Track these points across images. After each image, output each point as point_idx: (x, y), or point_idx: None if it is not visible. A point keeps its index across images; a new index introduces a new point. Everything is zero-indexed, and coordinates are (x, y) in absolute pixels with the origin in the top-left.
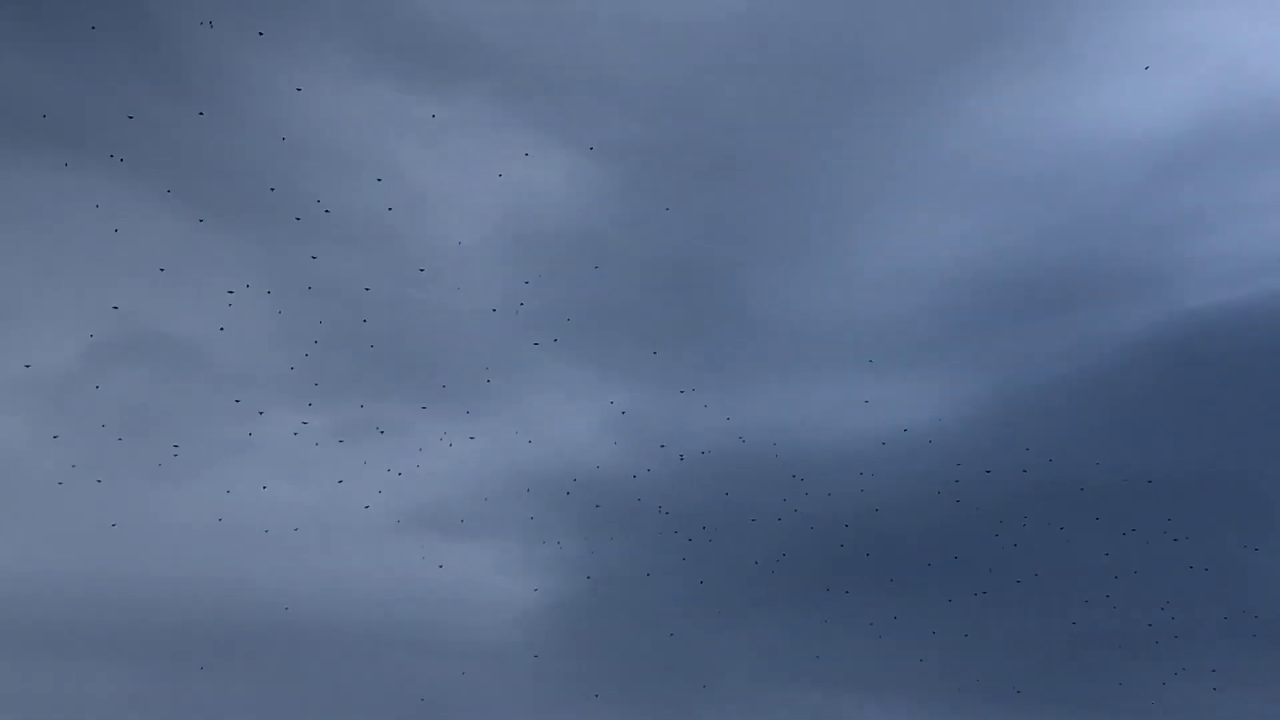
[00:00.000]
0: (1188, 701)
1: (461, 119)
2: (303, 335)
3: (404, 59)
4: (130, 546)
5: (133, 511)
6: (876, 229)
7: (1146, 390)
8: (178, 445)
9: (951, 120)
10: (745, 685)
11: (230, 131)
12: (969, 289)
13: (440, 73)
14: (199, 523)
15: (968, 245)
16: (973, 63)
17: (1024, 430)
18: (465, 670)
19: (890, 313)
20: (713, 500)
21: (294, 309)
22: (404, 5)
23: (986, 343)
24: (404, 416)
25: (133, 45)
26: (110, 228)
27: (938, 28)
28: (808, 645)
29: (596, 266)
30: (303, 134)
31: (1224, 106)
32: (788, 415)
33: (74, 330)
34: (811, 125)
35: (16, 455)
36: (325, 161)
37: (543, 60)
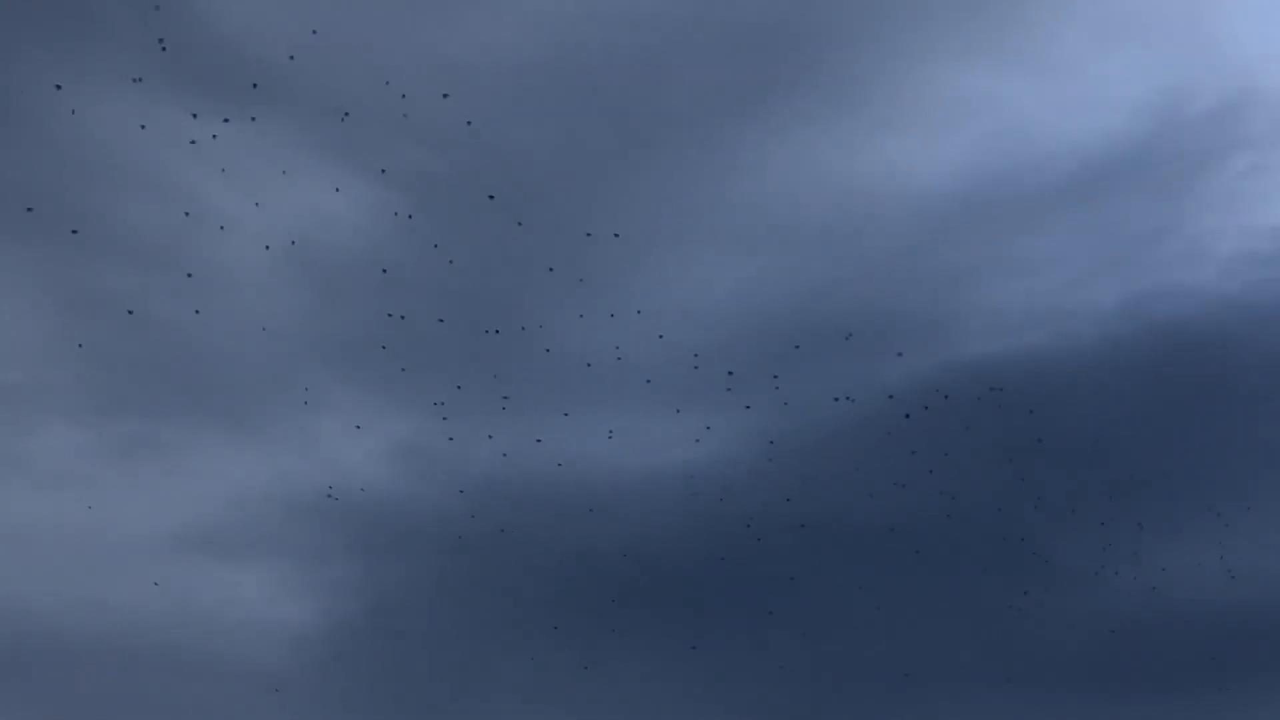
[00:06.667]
0: None
1: (254, 143)
2: (79, 351)
3: (197, 81)
4: None
5: None
6: (663, 268)
7: (916, 437)
8: None
9: (740, 167)
10: (521, 711)
11: (11, 147)
12: (751, 331)
13: (233, 96)
14: None
15: (752, 288)
16: (763, 113)
17: (798, 470)
18: (236, 693)
19: (672, 351)
20: (494, 529)
21: (71, 325)
22: (198, 28)
23: (766, 384)
24: (181, 436)
25: None
26: None
27: (730, 78)
28: (586, 673)
29: (384, 294)
30: (88, 152)
31: (1000, 166)
32: (569, 447)
33: None
34: (604, 164)
35: None
36: (110, 180)
37: (337, 88)
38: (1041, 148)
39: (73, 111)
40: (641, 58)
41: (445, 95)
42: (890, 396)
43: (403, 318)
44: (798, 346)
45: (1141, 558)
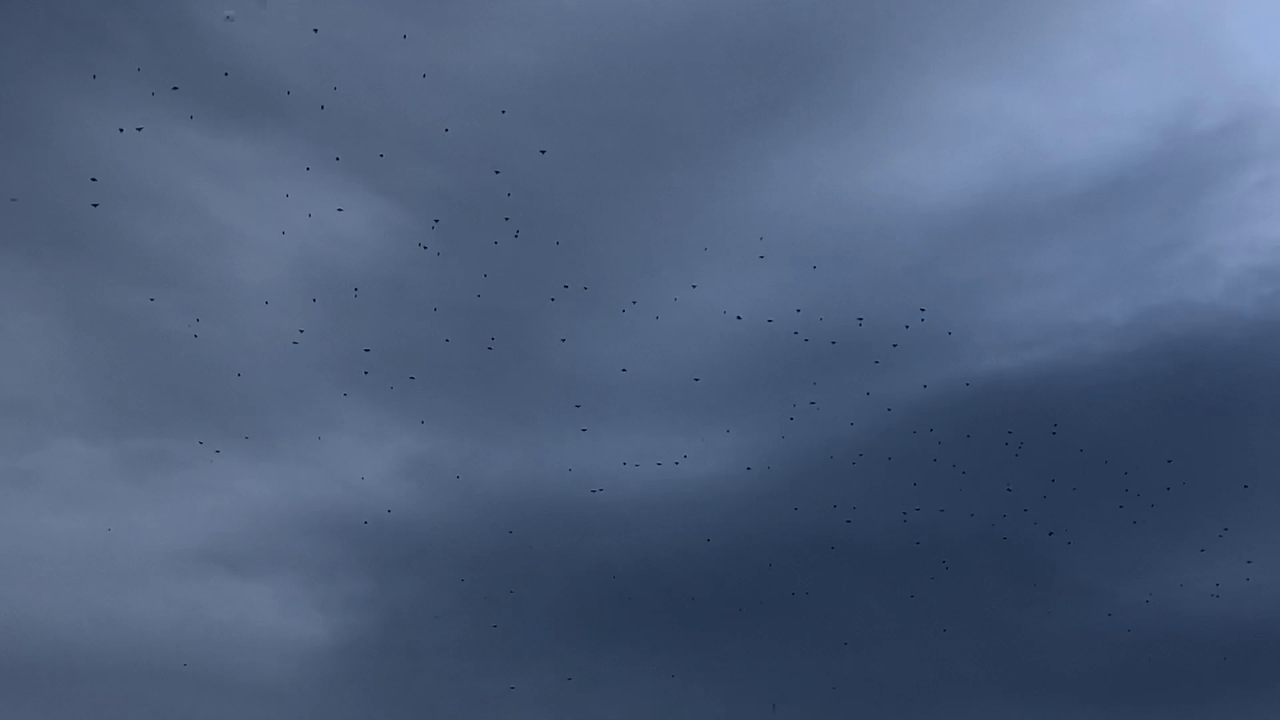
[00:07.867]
0: None
1: (265, 161)
2: (90, 368)
3: (210, 100)
4: None
5: None
6: (673, 283)
7: (927, 450)
8: None
9: (752, 182)
10: None
11: (27, 164)
12: (761, 346)
13: (245, 115)
14: None
15: (761, 303)
16: (770, 129)
17: (809, 486)
18: (247, 709)
19: (683, 366)
20: (504, 545)
21: (83, 340)
22: (212, 48)
23: (776, 399)
24: (193, 452)
25: None
26: None
27: (739, 94)
28: (595, 689)
29: (395, 310)
30: (98, 168)
31: (1009, 181)
32: (580, 463)
33: None
34: (613, 179)
35: None
36: (123, 196)
37: (347, 106)
38: (1050, 163)
39: (102, 125)
40: (650, 74)
41: (453, 113)
42: (889, 409)
43: (415, 334)
44: (803, 360)
45: (1151, 572)
